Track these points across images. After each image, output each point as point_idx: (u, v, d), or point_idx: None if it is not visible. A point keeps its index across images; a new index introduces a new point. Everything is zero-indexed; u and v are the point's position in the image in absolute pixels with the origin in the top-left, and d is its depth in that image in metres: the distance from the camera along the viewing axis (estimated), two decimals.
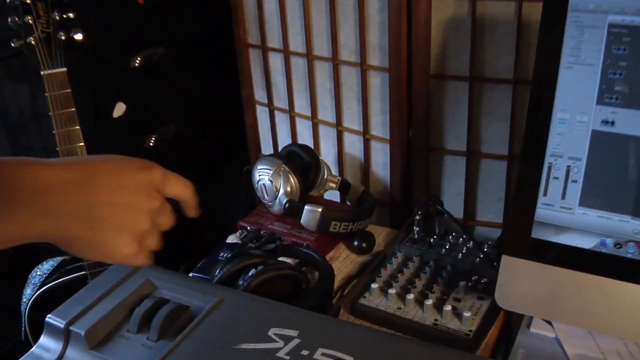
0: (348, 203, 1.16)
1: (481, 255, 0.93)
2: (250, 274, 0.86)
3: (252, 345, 0.66)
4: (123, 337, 0.72)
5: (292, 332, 0.67)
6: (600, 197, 0.68)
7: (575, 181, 0.69)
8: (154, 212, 0.57)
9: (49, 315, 0.75)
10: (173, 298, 0.76)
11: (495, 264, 0.89)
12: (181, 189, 0.61)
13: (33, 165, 0.51)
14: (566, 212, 0.70)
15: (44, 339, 0.74)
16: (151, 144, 1.53)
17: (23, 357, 0.72)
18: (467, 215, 1.09)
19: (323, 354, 0.64)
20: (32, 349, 0.74)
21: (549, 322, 0.81)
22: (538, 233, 0.71)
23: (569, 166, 0.70)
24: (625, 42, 0.66)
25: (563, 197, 0.70)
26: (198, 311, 0.74)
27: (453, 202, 1.07)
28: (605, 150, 0.68)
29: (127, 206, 0.55)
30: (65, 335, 0.72)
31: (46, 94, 1.07)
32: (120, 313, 0.75)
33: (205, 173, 1.74)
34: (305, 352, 0.64)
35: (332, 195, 1.17)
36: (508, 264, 0.72)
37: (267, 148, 1.41)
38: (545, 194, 0.71)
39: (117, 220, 0.54)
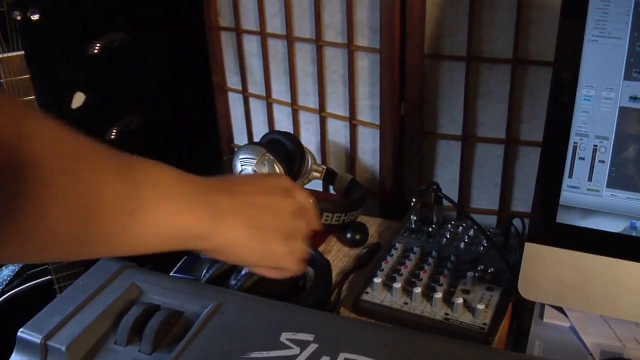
0: (333, 193, 1.10)
1: (485, 244, 0.89)
2: (243, 272, 0.79)
3: (264, 354, 0.59)
4: (110, 350, 0.64)
5: (308, 337, 0.61)
6: (630, 178, 0.64)
7: (603, 161, 0.65)
8: (293, 212, 0.58)
9: (21, 330, 0.66)
10: (164, 304, 0.68)
11: (502, 252, 0.85)
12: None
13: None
14: (593, 194, 0.66)
15: (16, 357, 0.65)
16: (112, 137, 1.43)
17: None
18: (461, 202, 1.04)
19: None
20: None
21: (563, 312, 0.77)
22: (563, 218, 0.67)
23: (595, 146, 0.65)
24: None
25: (590, 178, 0.66)
26: (195, 317, 0.66)
27: (447, 189, 1.02)
28: (633, 128, 0.64)
29: (269, 207, 0.56)
30: (43, 352, 0.64)
31: (1, 80, 0.96)
32: (105, 323, 0.67)
33: (173, 166, 1.65)
34: (326, 359, 0.58)
35: (314, 185, 1.10)
36: (532, 251, 0.68)
37: (240, 138, 1.33)
38: (570, 176, 0.66)
39: (265, 218, 0.55)
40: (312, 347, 0.59)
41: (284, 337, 0.61)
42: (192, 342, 0.62)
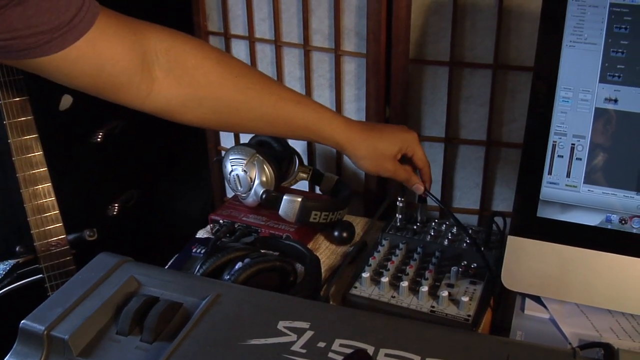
0: (319, 194, 1.13)
1: (468, 241, 0.92)
2: (236, 267, 0.81)
3: (262, 341, 0.62)
4: (112, 340, 0.66)
5: (304, 324, 0.63)
6: (605, 174, 0.69)
7: (580, 159, 0.70)
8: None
9: (23, 321, 0.67)
10: (163, 295, 0.70)
11: (483, 248, 0.89)
12: None
13: None
14: (571, 190, 0.70)
15: (18, 347, 0.67)
16: (98, 140, 1.43)
17: None
18: (443, 202, 1.08)
19: (341, 345, 0.60)
20: (5, 358, 0.66)
21: (542, 304, 0.81)
22: (544, 212, 0.71)
23: (573, 144, 0.70)
24: (627, 21, 0.66)
25: (568, 175, 0.70)
26: (193, 308, 0.68)
27: (430, 190, 1.06)
28: (608, 127, 0.68)
29: None
30: (46, 342, 0.65)
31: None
32: (106, 314, 0.69)
33: (159, 169, 1.66)
34: (322, 344, 0.60)
35: (300, 186, 1.13)
36: (514, 244, 0.72)
37: (226, 141, 1.35)
38: (550, 173, 0.71)
39: None
40: (309, 334, 0.62)
41: (281, 325, 0.64)
42: (193, 331, 0.64)
